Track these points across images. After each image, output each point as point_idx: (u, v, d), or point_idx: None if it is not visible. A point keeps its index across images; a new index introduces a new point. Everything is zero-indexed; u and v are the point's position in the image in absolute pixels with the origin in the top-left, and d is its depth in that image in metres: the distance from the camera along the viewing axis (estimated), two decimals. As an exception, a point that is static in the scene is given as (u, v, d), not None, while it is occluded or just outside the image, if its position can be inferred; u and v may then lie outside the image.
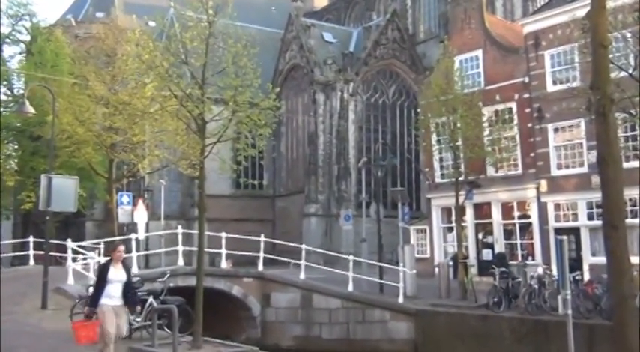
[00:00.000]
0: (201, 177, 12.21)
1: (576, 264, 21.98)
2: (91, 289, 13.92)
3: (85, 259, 19.25)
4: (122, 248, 9.47)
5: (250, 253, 23.06)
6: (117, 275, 9.18)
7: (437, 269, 24.18)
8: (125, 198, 24.73)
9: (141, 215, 24.22)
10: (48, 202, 15.37)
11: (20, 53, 35.63)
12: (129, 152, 22.43)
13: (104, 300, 9.05)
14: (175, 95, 11.99)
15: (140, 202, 25.41)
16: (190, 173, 13.48)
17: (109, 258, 9.68)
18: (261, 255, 22.28)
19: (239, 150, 12.71)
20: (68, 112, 21.08)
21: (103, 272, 9.26)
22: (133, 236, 21.01)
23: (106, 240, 22.41)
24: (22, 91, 31.69)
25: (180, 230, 21.84)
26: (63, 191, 15.69)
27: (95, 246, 22.61)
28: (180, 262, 21.05)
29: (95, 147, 22.03)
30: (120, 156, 22.91)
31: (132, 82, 21.02)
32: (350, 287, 20.64)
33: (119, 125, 21.13)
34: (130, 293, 9.39)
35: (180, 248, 21.23)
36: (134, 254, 20.38)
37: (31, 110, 17.16)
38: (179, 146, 13.57)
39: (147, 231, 25.44)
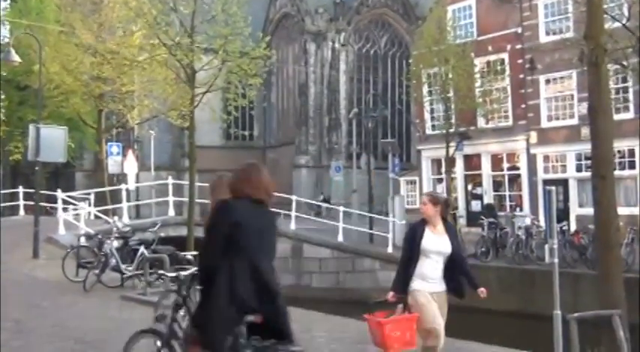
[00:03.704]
0: (191, 127, 12.16)
1: (563, 215, 22.24)
2: (83, 239, 14.03)
3: (75, 209, 19.28)
4: (439, 198, 5.94)
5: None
6: (436, 243, 5.69)
7: (426, 220, 24.40)
8: (115, 148, 24.62)
9: (131, 165, 24.16)
10: (37, 152, 15.27)
11: (4, 0, 34.82)
12: (118, 102, 22.22)
13: (417, 283, 5.66)
14: (164, 44, 11.82)
15: (130, 153, 25.34)
16: (180, 123, 13.44)
17: (420, 219, 5.80)
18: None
19: (229, 100, 12.64)
20: (55, 61, 20.76)
21: (413, 237, 5.74)
22: (123, 186, 21.02)
23: (96, 190, 22.40)
24: (7, 40, 31.09)
25: (170, 180, 21.84)
26: (52, 141, 15.57)
27: (85, 196, 22.60)
28: (171, 212, 21.13)
29: (83, 97, 21.78)
30: (109, 107, 22.70)
31: (119, 30, 20.66)
32: (340, 238, 20.85)
33: (107, 75, 20.85)
34: (456, 271, 5.80)
35: (171, 198, 21.28)
36: (124, 204, 20.44)
37: (17, 59, 16.87)
38: (168, 96, 13.50)
39: (137, 181, 25.43)
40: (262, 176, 4.16)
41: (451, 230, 5.86)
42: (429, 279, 5.65)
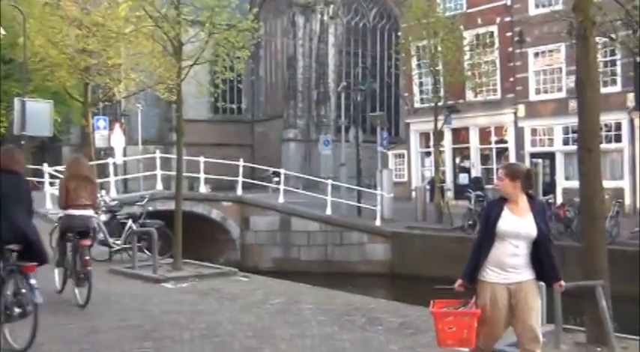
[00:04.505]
0: (178, 100, 12.04)
1: (550, 188, 22.44)
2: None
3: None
4: (518, 170, 4.88)
5: (229, 177, 23.15)
6: (515, 224, 4.69)
7: (414, 193, 24.56)
8: (101, 122, 24.44)
9: (118, 139, 24.01)
10: (22, 127, 15.19)
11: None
12: (104, 75, 21.93)
13: (489, 273, 4.72)
14: (150, 16, 11.63)
15: (117, 126, 25.15)
16: (168, 97, 13.29)
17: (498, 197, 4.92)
18: (240, 179, 22.37)
19: (217, 73, 12.49)
20: (40, 34, 20.43)
21: (487, 218, 4.81)
22: (110, 160, 20.92)
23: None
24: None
25: (158, 154, 21.75)
26: (37, 115, 15.50)
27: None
28: (159, 186, 21.09)
29: (69, 70, 21.47)
30: (95, 80, 22.40)
31: (105, 2, 20.34)
32: (328, 211, 20.92)
33: (93, 47, 20.55)
34: (546, 259, 4.73)
35: (159, 172, 21.22)
36: (112, 178, 20.37)
37: (1, 31, 16.65)
38: (155, 69, 13.34)
39: (124, 155, 25.30)
40: (17, 155, 6.42)
41: (537, 208, 4.80)
42: (507, 268, 4.66)
